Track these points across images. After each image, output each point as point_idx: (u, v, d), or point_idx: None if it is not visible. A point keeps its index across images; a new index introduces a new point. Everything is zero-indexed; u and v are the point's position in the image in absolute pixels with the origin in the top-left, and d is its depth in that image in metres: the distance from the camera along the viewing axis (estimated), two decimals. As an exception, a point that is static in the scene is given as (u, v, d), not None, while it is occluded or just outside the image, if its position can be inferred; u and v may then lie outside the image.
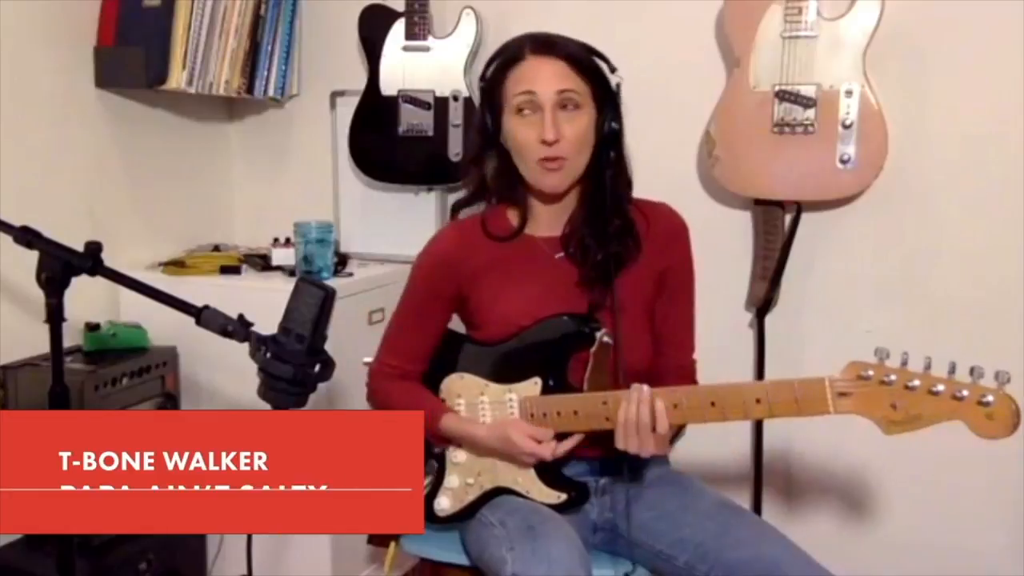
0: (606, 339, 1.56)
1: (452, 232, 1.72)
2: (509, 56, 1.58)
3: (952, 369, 1.27)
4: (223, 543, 2.32)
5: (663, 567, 1.54)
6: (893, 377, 1.30)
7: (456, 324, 1.73)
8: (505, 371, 1.61)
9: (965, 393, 1.26)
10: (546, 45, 1.57)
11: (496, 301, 1.64)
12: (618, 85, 1.60)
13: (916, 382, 1.28)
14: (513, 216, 1.67)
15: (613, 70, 1.60)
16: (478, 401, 1.62)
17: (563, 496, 1.57)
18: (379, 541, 1.79)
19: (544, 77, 1.54)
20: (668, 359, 1.68)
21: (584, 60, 1.57)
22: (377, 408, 1.73)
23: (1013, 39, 2.04)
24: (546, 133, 1.53)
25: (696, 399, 1.46)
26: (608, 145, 1.60)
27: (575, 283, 1.62)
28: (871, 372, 1.31)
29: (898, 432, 1.31)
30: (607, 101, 1.59)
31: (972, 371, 1.27)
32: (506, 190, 1.65)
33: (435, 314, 1.69)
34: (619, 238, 1.60)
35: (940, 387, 1.27)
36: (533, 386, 1.59)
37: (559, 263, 1.64)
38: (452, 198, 2.52)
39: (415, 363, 1.69)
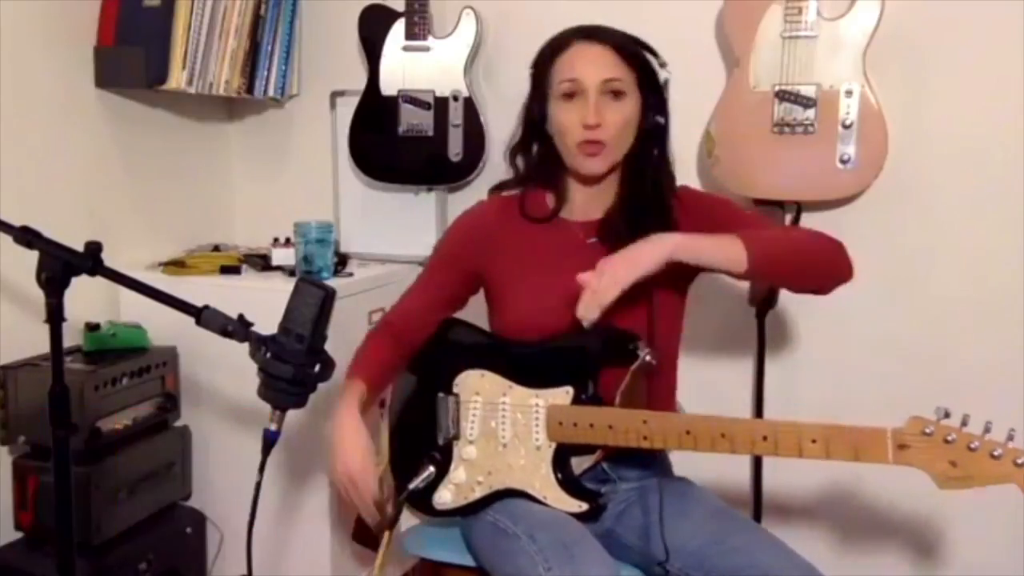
0: (648, 358, 1.51)
1: (494, 203, 1.73)
2: (556, 44, 1.60)
3: (1011, 436, 1.32)
4: (223, 543, 2.32)
5: (657, 572, 1.53)
6: (954, 436, 1.33)
7: (475, 317, 1.71)
8: (532, 374, 1.56)
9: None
10: (592, 32, 1.59)
11: (522, 281, 1.63)
12: (666, 80, 1.60)
13: (977, 444, 1.33)
14: (551, 199, 1.68)
15: (663, 65, 1.60)
16: (499, 402, 1.57)
17: (584, 506, 1.55)
18: (363, 540, 1.78)
19: (589, 63, 1.56)
20: None
21: (629, 48, 1.58)
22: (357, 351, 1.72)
23: (1013, 39, 2.04)
24: (588, 117, 1.54)
25: (747, 432, 1.43)
26: (651, 138, 1.61)
27: None
28: (932, 429, 1.34)
29: (952, 488, 1.35)
30: (653, 92, 1.60)
31: None
32: (547, 174, 1.66)
33: (446, 282, 1.69)
34: (655, 230, 1.57)
35: (999, 451, 1.32)
36: (564, 395, 1.54)
37: (591, 248, 1.62)
38: (452, 198, 2.53)
39: (407, 326, 1.68)
